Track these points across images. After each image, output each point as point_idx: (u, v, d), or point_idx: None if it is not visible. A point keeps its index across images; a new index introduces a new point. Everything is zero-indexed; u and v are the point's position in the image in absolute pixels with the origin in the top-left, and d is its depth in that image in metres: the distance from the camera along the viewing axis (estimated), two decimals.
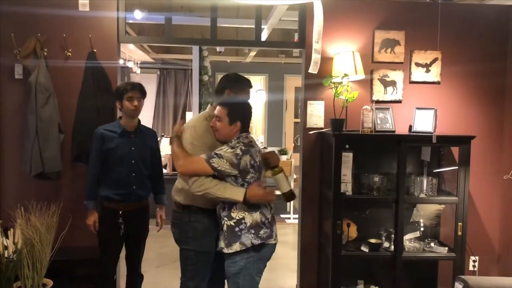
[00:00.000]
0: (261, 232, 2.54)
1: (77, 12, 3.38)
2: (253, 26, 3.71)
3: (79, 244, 3.28)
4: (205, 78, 6.95)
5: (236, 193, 2.47)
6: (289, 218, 6.61)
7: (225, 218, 2.53)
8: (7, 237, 3.01)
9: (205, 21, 4.73)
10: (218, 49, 7.71)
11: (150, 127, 3.52)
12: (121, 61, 3.99)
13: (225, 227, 2.53)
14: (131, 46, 6.32)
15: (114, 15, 3.44)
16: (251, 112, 2.66)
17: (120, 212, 3.00)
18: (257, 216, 2.54)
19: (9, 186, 3.44)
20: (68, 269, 3.21)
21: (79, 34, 3.38)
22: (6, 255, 2.93)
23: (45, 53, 3.30)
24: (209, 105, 2.83)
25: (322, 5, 3.09)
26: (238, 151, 2.50)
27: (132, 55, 7.30)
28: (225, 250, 2.53)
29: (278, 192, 2.63)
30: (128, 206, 3.02)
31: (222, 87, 2.71)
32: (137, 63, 7.67)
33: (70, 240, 2.97)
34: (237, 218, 2.52)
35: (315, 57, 3.29)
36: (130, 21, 5.27)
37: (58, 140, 3.25)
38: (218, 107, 2.59)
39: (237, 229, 2.51)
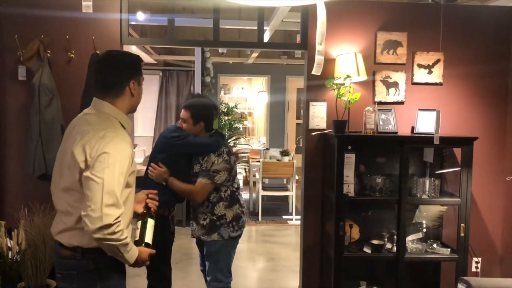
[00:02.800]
0: (240, 222, 2.93)
1: (80, 14, 3.39)
2: (256, 28, 3.72)
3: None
4: (207, 79, 6.97)
5: (132, 257, 1.87)
6: (291, 219, 6.61)
7: (208, 214, 2.86)
8: (11, 238, 3.02)
9: (207, 22, 4.75)
10: (220, 50, 7.72)
11: (153, 128, 3.53)
12: None
13: (207, 221, 2.86)
14: (134, 47, 6.34)
15: (117, 16, 3.45)
16: (212, 111, 2.93)
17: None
18: (236, 208, 2.91)
19: (12, 188, 3.45)
20: None
21: (82, 35, 3.40)
22: (10, 256, 2.95)
23: (49, 55, 3.31)
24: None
25: (325, 6, 3.10)
26: (226, 156, 2.83)
27: None
28: (205, 238, 2.88)
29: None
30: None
31: (125, 76, 1.95)
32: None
33: None
34: (219, 214, 2.86)
35: (319, 58, 3.30)
36: (133, 23, 5.29)
37: (61, 141, 3.26)
38: (183, 110, 2.87)
39: (218, 223, 2.87)
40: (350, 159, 3.22)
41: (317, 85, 3.58)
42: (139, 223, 2.03)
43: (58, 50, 3.37)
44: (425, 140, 3.32)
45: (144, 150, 8.43)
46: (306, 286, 3.76)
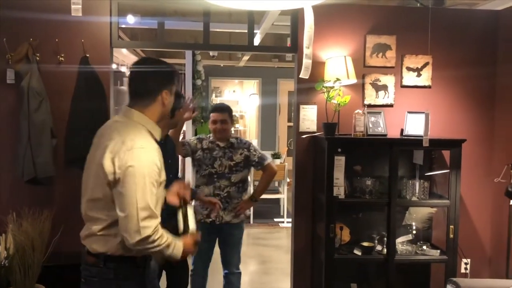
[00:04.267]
0: None
1: (70, 17, 3.37)
2: (246, 31, 3.73)
3: (71, 249, 3.26)
4: (198, 82, 6.97)
5: (178, 253, 1.93)
6: (283, 222, 6.62)
7: (239, 198, 3.32)
8: None
9: (198, 25, 4.75)
10: (211, 53, 7.72)
11: None
12: (114, 66, 3.98)
13: (234, 204, 3.29)
14: (124, 50, 6.32)
15: (107, 20, 3.44)
16: None
17: None
18: None
19: (1, 192, 3.41)
20: (60, 275, 3.19)
21: (71, 39, 3.37)
22: None
23: (38, 58, 3.28)
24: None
25: (314, 10, 3.11)
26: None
27: (125, 60, 7.27)
28: (235, 221, 3.29)
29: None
30: None
31: (158, 86, 1.95)
32: (130, 68, 7.65)
33: (63, 246, 2.95)
34: (244, 198, 3.35)
35: (306, 62, 3.31)
36: (123, 26, 5.27)
37: (51, 145, 3.23)
38: (218, 113, 3.25)
39: None
40: (340, 161, 3.23)
41: (307, 88, 3.59)
42: (180, 215, 2.07)
43: (47, 53, 3.35)
44: (414, 142, 3.35)
45: None
46: None
